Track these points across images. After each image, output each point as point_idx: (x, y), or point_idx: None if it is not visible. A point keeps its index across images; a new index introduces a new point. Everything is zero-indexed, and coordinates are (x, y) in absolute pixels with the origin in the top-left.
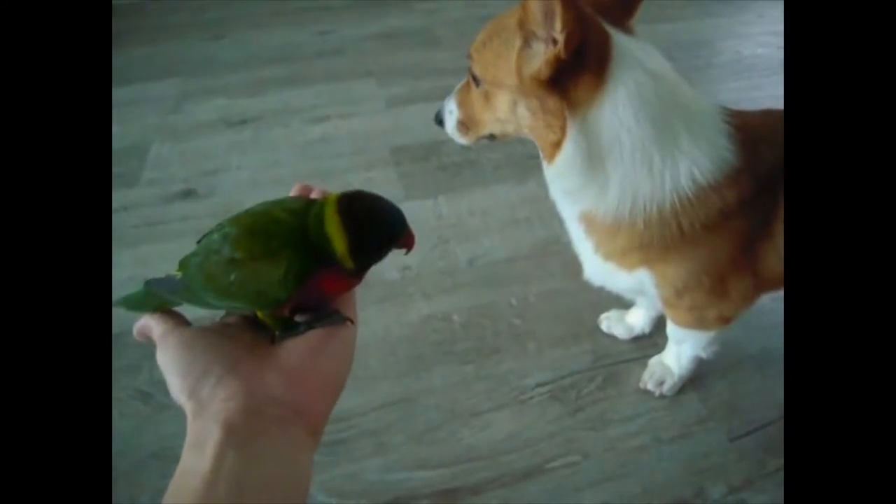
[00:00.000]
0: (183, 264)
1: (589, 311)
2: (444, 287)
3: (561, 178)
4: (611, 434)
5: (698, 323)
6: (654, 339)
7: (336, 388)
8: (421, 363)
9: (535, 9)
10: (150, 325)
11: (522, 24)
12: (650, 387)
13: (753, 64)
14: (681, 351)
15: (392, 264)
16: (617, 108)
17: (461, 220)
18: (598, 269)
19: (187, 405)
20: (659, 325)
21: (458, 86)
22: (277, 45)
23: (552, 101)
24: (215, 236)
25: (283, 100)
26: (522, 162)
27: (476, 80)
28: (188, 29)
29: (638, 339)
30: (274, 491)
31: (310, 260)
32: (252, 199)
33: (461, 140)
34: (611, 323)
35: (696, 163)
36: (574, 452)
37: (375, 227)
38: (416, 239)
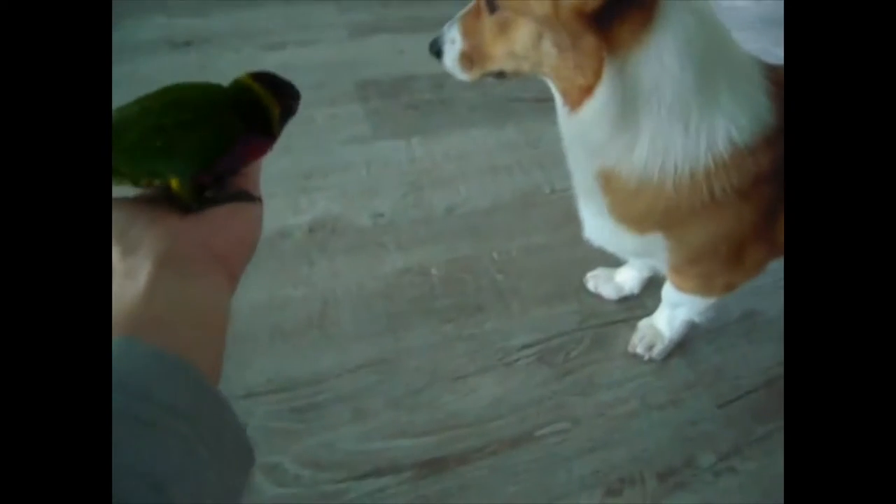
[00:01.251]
0: None
1: (574, 268)
2: (420, 237)
3: (586, 128)
4: (600, 399)
5: (703, 289)
6: (641, 300)
7: (251, 245)
8: (398, 321)
9: None
10: None
11: None
12: (640, 350)
13: (731, 16)
14: (674, 315)
15: (363, 210)
16: (662, 53)
17: (436, 164)
18: (604, 230)
19: (116, 248)
20: (648, 286)
21: (463, 11)
22: None
23: (589, 39)
24: (132, 109)
25: (233, 22)
26: (501, 105)
27: (491, 6)
28: None
29: (626, 300)
30: (207, 308)
31: (237, 125)
32: None
33: (462, 76)
34: (598, 282)
35: (734, 121)
36: (563, 419)
37: (292, 94)
38: (388, 184)
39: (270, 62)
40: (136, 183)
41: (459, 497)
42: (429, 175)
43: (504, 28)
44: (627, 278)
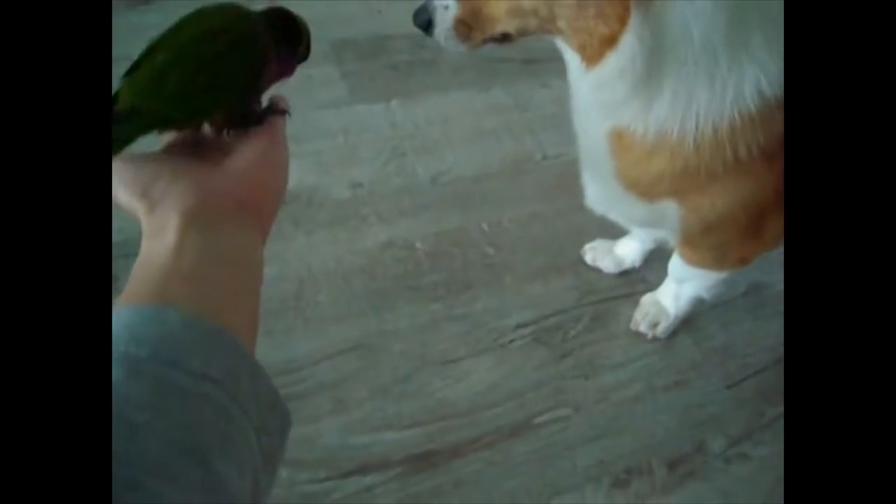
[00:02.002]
0: (129, 97)
1: (570, 239)
2: (403, 208)
3: (607, 84)
4: (602, 383)
5: (715, 263)
6: (642, 273)
7: (278, 197)
8: (381, 300)
9: None
10: None
11: None
12: (643, 328)
13: None
14: (681, 290)
15: (341, 180)
16: None
17: (418, 129)
18: (609, 196)
19: (140, 206)
20: (650, 258)
21: None
22: None
23: None
24: (162, 56)
25: None
26: (486, 65)
27: None
28: None
29: (626, 274)
30: (237, 261)
31: (269, 43)
32: None
33: (457, 46)
34: (597, 255)
35: (764, 70)
36: (563, 405)
37: (289, 24)
38: (367, 151)
39: None
40: (185, 126)
41: (453, 494)
42: (411, 141)
43: None
44: (628, 250)
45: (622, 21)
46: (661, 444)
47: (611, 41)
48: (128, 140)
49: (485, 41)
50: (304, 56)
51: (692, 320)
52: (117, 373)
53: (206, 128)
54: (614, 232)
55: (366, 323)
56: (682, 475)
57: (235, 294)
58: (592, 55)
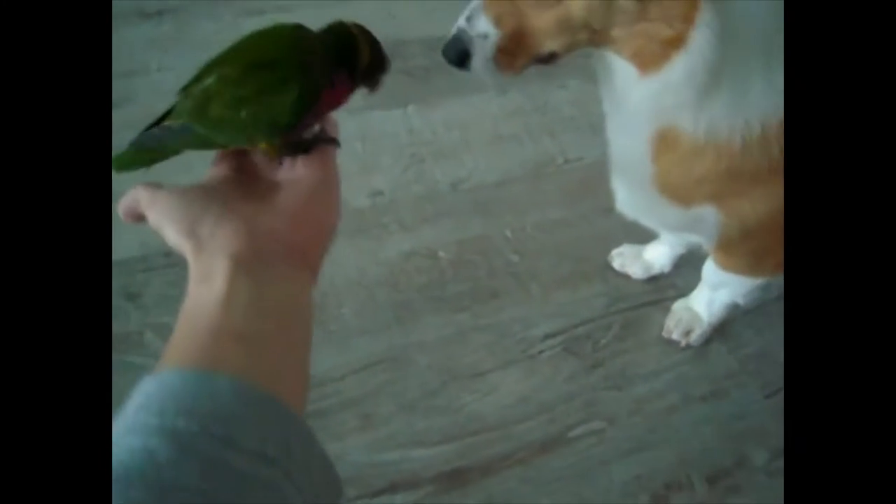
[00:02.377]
0: (179, 113)
1: (596, 244)
2: (425, 216)
3: (673, 88)
4: (636, 393)
5: (751, 269)
6: (671, 279)
7: (330, 233)
8: (406, 312)
9: None
10: (136, 196)
11: None
12: (675, 336)
13: None
14: (715, 297)
15: (360, 189)
16: None
17: (437, 135)
18: (643, 201)
19: (187, 245)
20: (679, 263)
21: None
22: None
23: None
24: (210, 81)
25: None
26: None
27: None
28: None
29: (655, 280)
30: (288, 313)
31: (319, 79)
32: None
33: (498, 76)
34: (625, 260)
35: None
36: (597, 417)
37: (381, 50)
38: (386, 158)
39: (249, 29)
40: (228, 146)
41: None
42: (429, 147)
43: None
44: (657, 255)
45: (688, 19)
46: (700, 457)
47: (676, 42)
48: (175, 152)
49: (529, 64)
50: (373, 78)
51: (726, 327)
52: (166, 449)
53: (256, 155)
54: (642, 236)
55: (391, 336)
56: (723, 490)
57: (287, 349)
58: (653, 60)
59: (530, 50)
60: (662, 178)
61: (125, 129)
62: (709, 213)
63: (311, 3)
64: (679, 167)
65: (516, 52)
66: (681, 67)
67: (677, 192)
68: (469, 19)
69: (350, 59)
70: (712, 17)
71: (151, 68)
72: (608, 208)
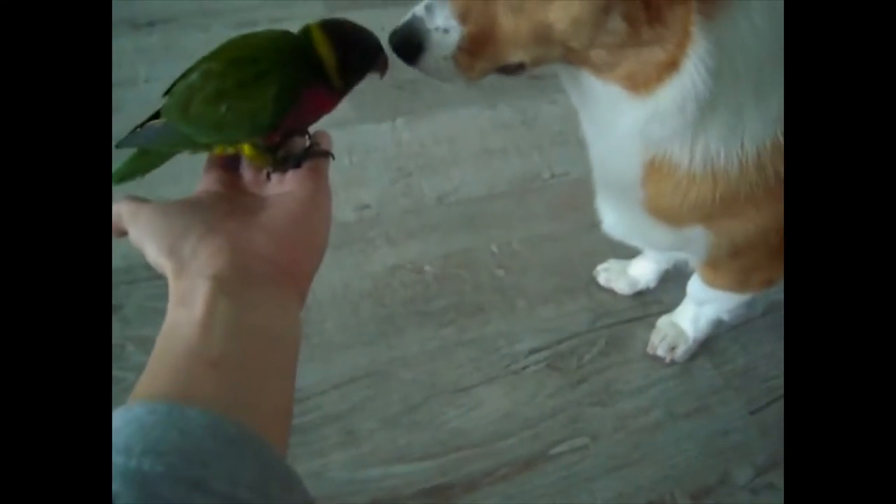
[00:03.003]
0: (165, 110)
1: (582, 259)
2: (411, 230)
3: (665, 114)
4: (620, 410)
5: (738, 285)
6: (657, 294)
7: (319, 253)
8: (390, 326)
9: None
10: (118, 211)
11: None
12: (660, 352)
13: None
14: (700, 313)
15: (347, 202)
16: (751, 10)
17: (425, 148)
18: (632, 224)
19: (168, 265)
20: (664, 279)
21: None
22: None
23: (678, 7)
24: (194, 76)
25: None
26: (491, 81)
27: None
28: None
29: (640, 295)
30: (270, 339)
31: (299, 77)
32: None
33: (453, 77)
34: (610, 276)
35: None
36: (580, 434)
37: (359, 46)
38: (373, 171)
39: None
40: (213, 149)
41: None
42: (417, 160)
43: (537, 1)
44: (643, 271)
45: (681, 45)
46: (684, 474)
47: (669, 66)
48: (163, 156)
49: (490, 71)
50: (358, 74)
51: (711, 343)
52: (128, 494)
53: (245, 168)
54: (627, 252)
55: (374, 350)
56: None
57: (268, 377)
58: (645, 82)
59: (495, 57)
60: (653, 202)
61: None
62: (699, 234)
63: (302, 16)
64: (672, 192)
65: (478, 56)
66: (674, 92)
67: (669, 215)
68: (428, 8)
69: (319, 71)
70: (706, 41)
71: (139, 79)
72: (594, 224)
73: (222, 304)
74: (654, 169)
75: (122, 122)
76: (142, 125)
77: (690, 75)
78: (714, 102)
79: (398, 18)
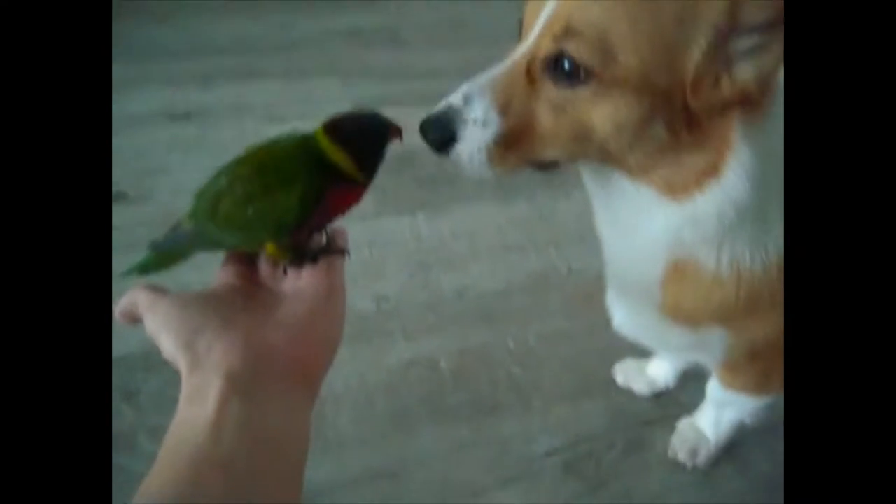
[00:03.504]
0: (192, 214)
1: (599, 358)
2: (429, 324)
3: (704, 218)
4: None
5: (758, 388)
6: (676, 395)
7: (332, 350)
8: (404, 422)
9: None
10: (135, 299)
11: (733, 9)
12: (682, 457)
13: None
14: (721, 415)
15: (366, 294)
16: (778, 114)
17: (444, 243)
18: (644, 323)
19: (182, 359)
20: (683, 378)
21: (493, 75)
22: (230, 34)
23: (727, 115)
24: (222, 181)
25: (235, 94)
26: (508, 178)
27: (572, 71)
28: (127, 10)
29: (659, 396)
30: (280, 442)
31: (323, 179)
32: None
33: (485, 170)
34: (628, 375)
35: None
36: None
37: (367, 135)
38: (393, 264)
39: (270, 135)
40: (237, 248)
41: None
42: (436, 254)
43: (584, 104)
44: (660, 371)
45: (723, 151)
46: None
47: (709, 173)
48: (185, 255)
49: (525, 165)
50: (374, 164)
51: (734, 447)
52: None
53: (262, 262)
54: (646, 350)
55: (388, 447)
56: None
57: (274, 481)
58: (684, 187)
59: (531, 152)
60: (672, 303)
61: (142, 226)
62: (716, 335)
63: (328, 112)
64: (693, 294)
65: (513, 151)
66: (713, 198)
67: (687, 316)
68: (467, 99)
69: (336, 170)
70: (748, 149)
71: (173, 168)
72: (611, 321)
73: (234, 405)
74: (677, 271)
75: (154, 210)
76: (173, 228)
77: (731, 182)
78: (746, 210)
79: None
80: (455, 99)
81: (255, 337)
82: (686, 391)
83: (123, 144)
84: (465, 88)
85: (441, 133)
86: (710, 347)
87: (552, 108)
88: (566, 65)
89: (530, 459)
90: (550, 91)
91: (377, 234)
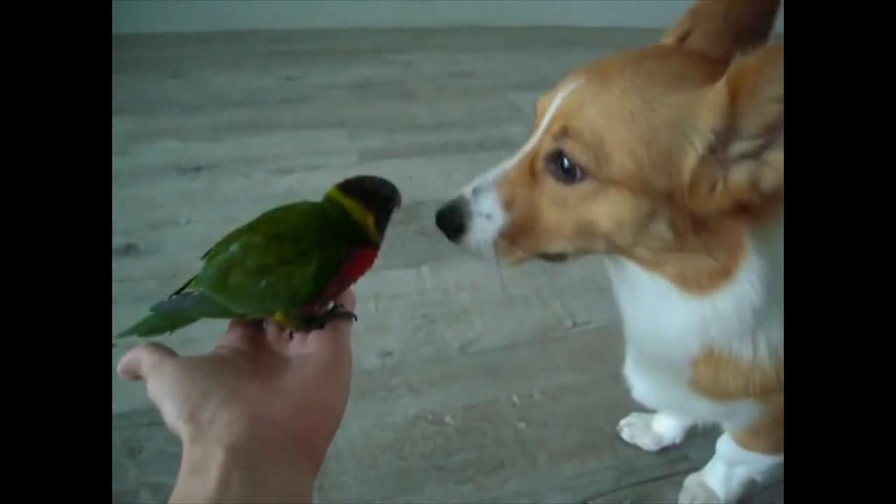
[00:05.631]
0: (200, 280)
1: (605, 413)
2: (433, 379)
3: (723, 316)
4: None
5: (778, 449)
6: (683, 450)
7: (336, 420)
8: (408, 481)
9: (770, 91)
10: (139, 357)
11: (730, 114)
12: None
13: None
14: (732, 473)
15: (370, 349)
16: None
17: (448, 295)
18: (670, 395)
19: (185, 429)
20: (689, 433)
21: (498, 172)
22: (239, 88)
23: (727, 220)
24: (234, 248)
25: (243, 147)
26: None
27: (570, 171)
28: (142, 65)
29: (666, 451)
30: None
31: (339, 249)
32: None
33: (492, 259)
34: (634, 431)
35: None
36: None
37: (383, 196)
38: (397, 318)
39: (278, 187)
40: (245, 316)
41: None
42: (440, 308)
43: (583, 200)
44: (667, 426)
45: (734, 254)
46: None
47: (722, 274)
48: (189, 320)
49: (528, 258)
50: (386, 221)
51: None
52: None
53: (268, 325)
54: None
55: None
56: None
57: None
58: (699, 285)
59: (536, 245)
60: (705, 382)
61: (149, 279)
62: (746, 406)
63: (337, 165)
64: (730, 376)
65: (519, 243)
66: (729, 299)
67: (721, 394)
68: (475, 192)
69: (360, 232)
70: (759, 256)
71: (181, 221)
72: (616, 374)
73: (236, 479)
74: (711, 355)
75: (162, 263)
76: (178, 292)
77: (745, 286)
78: (772, 303)
79: (423, 168)
80: (466, 191)
81: (259, 408)
82: (693, 446)
83: (135, 196)
84: (476, 182)
85: (450, 223)
86: (739, 416)
87: (555, 203)
88: (565, 162)
89: None
90: (552, 187)
91: (382, 287)
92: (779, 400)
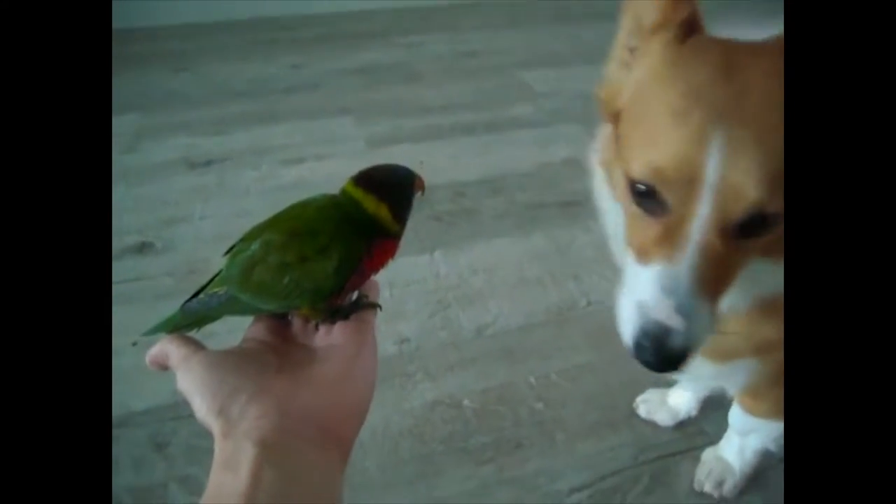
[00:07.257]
0: (224, 279)
1: (621, 390)
2: (450, 363)
3: None
4: None
5: (780, 413)
6: (700, 424)
7: (364, 412)
8: (430, 465)
9: None
10: (167, 350)
11: None
12: (708, 488)
13: None
14: (745, 443)
15: (388, 336)
16: None
17: (462, 279)
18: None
19: (215, 424)
20: (705, 407)
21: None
22: (245, 78)
23: None
24: (255, 247)
25: (252, 138)
26: (526, 211)
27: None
28: (147, 60)
29: (682, 426)
30: None
31: (358, 245)
32: (218, 254)
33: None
34: (650, 406)
35: None
36: None
37: (400, 185)
38: (413, 304)
39: (288, 178)
40: (273, 312)
41: None
42: (455, 292)
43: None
44: (682, 400)
45: None
46: None
47: None
48: (216, 318)
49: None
50: (407, 212)
51: (761, 476)
52: None
53: (293, 316)
54: (668, 380)
55: (414, 491)
56: None
57: None
58: None
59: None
60: (712, 343)
61: (166, 276)
62: (743, 365)
63: (345, 153)
64: (736, 335)
65: (720, 289)
66: None
67: (725, 354)
68: (680, 310)
69: (375, 226)
70: None
71: (194, 216)
72: None
73: (267, 474)
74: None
75: (177, 259)
76: (201, 290)
77: None
78: None
79: (434, 151)
80: (663, 319)
81: (288, 403)
82: (709, 420)
83: (147, 194)
84: (666, 305)
85: (665, 350)
86: (736, 375)
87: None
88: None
89: (556, 497)
90: (746, 244)
91: (396, 274)
92: (777, 356)
